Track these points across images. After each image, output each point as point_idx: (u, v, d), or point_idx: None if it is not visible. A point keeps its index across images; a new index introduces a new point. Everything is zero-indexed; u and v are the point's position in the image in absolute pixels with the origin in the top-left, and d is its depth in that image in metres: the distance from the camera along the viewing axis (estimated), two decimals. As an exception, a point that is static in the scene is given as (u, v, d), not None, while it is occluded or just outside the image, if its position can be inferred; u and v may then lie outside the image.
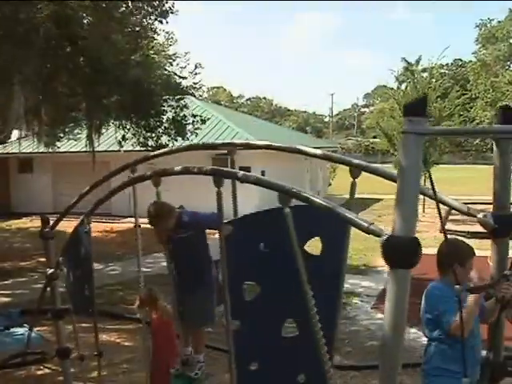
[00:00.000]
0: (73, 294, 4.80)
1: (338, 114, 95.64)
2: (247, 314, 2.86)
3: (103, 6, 10.10)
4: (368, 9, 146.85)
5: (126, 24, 10.86)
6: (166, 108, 12.92)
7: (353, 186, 2.92)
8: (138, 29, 11.66)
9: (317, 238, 2.86)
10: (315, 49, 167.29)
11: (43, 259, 5.17)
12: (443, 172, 28.39)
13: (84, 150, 14.67)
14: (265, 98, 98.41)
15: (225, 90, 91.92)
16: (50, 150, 16.76)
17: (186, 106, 13.47)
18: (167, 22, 11.91)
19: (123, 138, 13.04)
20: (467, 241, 3.72)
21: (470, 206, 2.84)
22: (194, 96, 23.74)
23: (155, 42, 19.43)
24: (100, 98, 11.00)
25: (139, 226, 4.14)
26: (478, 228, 2.76)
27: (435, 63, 21.42)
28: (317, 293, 2.54)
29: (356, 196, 3.00)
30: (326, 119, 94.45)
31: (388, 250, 1.90)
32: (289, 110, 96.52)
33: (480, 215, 2.66)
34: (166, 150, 4.46)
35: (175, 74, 16.69)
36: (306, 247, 2.76)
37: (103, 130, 16.14)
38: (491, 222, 2.61)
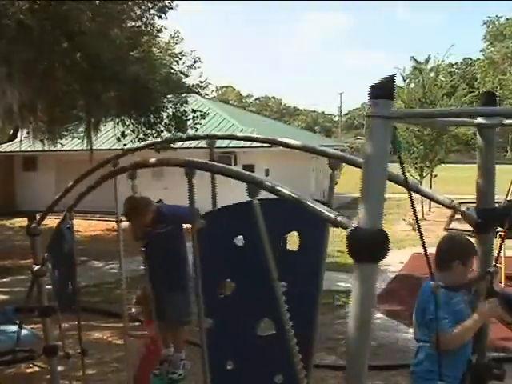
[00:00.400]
0: (57, 291, 4.73)
1: (347, 114, 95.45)
2: (221, 312, 2.75)
3: (101, 2, 10.01)
4: (377, 8, 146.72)
5: (124, 19, 10.77)
6: (166, 104, 12.82)
7: (332, 177, 2.79)
8: (138, 24, 11.58)
9: (295, 232, 2.74)
10: (323, 48, 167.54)
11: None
12: (450, 171, 28.14)
13: (87, 148, 14.65)
14: (274, 98, 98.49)
15: (234, 89, 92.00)
16: (54, 148, 16.74)
17: (186, 102, 13.38)
18: (166, 18, 11.88)
19: (122, 134, 12.95)
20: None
21: (464, 202, 2.72)
22: (200, 94, 23.70)
23: (161, 40, 19.37)
24: (98, 94, 10.92)
25: (121, 221, 4.03)
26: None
27: (441, 60, 21.23)
28: (294, 290, 2.42)
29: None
30: (335, 118, 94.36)
31: (353, 243, 1.77)
32: (298, 110, 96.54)
33: (463, 209, 2.54)
34: (147, 142, 4.37)
35: (181, 72, 16.63)
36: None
37: (106, 128, 16.07)
38: (474, 216, 2.48)
